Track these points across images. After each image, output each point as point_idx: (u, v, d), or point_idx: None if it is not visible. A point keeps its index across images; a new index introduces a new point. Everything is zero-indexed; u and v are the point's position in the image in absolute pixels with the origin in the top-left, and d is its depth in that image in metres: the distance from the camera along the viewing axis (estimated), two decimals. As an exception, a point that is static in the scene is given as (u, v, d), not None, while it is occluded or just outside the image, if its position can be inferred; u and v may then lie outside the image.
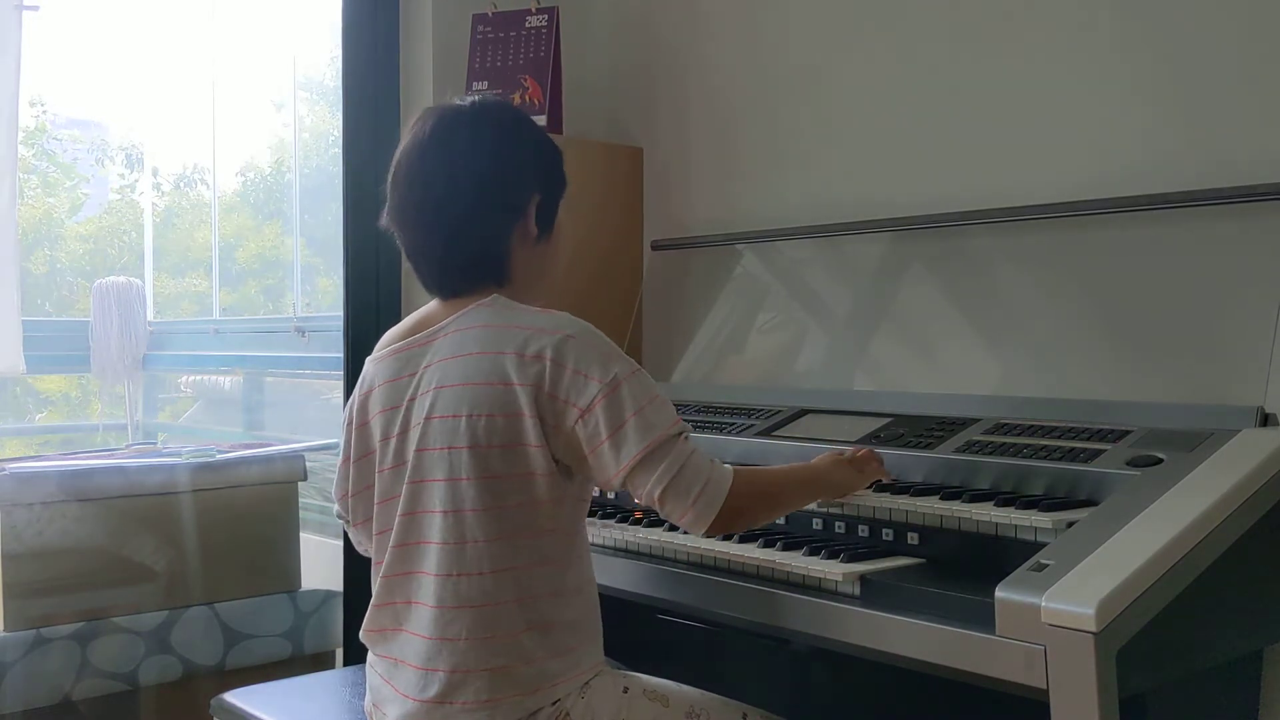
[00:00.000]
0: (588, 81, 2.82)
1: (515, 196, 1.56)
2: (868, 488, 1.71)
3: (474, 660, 1.44)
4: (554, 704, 1.46)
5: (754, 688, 1.79)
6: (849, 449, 1.76)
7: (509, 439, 1.44)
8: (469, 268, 1.56)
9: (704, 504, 1.45)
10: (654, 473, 1.44)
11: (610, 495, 1.99)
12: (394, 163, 1.58)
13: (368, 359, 1.62)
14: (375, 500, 1.56)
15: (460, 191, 1.54)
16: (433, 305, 1.59)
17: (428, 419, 1.48)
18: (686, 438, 1.47)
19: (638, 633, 1.93)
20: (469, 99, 1.62)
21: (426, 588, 1.47)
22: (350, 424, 1.60)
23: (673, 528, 1.80)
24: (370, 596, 1.56)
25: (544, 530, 1.46)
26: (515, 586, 1.45)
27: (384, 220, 1.59)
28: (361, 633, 1.57)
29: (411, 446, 1.49)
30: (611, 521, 1.87)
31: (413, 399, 1.51)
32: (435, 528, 1.47)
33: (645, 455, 1.43)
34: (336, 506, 1.68)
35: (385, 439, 1.54)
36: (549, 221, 1.61)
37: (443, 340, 1.51)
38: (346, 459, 1.61)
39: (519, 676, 1.45)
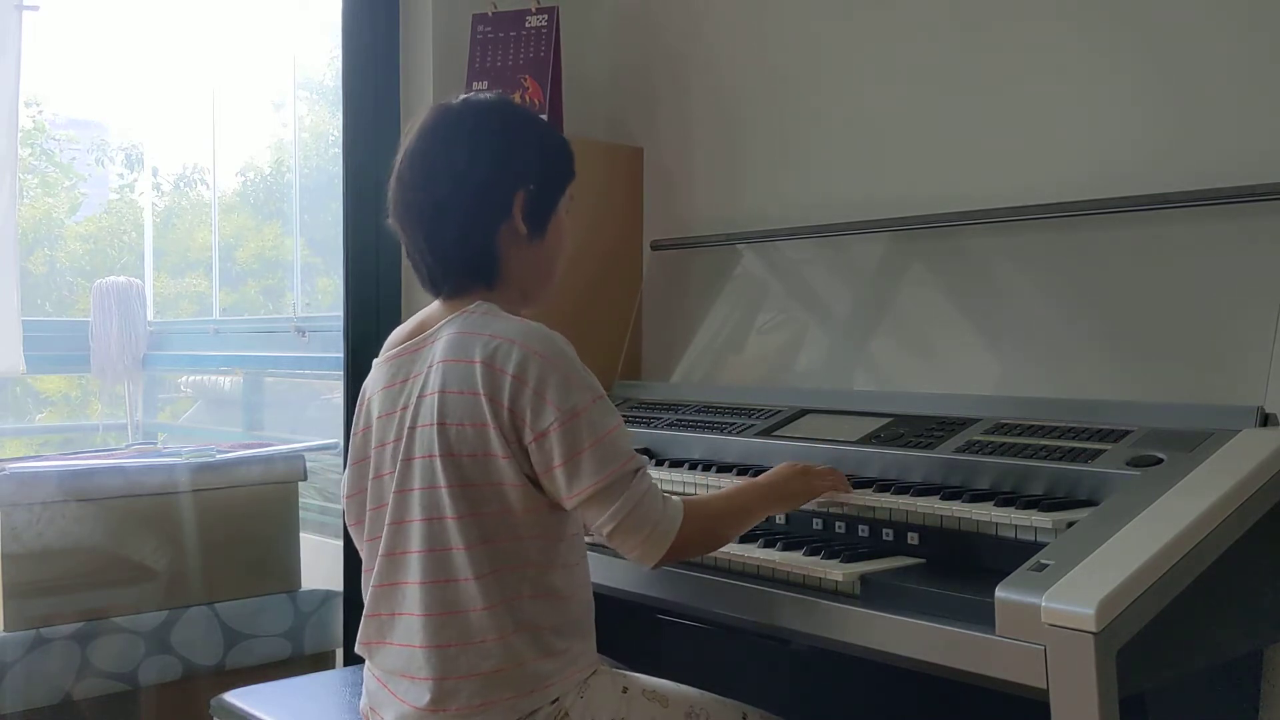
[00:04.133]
0: (588, 81, 2.82)
1: (496, 195, 1.54)
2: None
3: (465, 665, 1.44)
4: (553, 703, 1.47)
5: (754, 688, 1.79)
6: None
7: (478, 448, 1.44)
8: (457, 269, 1.55)
9: (651, 545, 1.47)
10: (605, 510, 1.44)
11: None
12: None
13: (375, 360, 1.62)
14: (368, 506, 1.57)
15: (439, 194, 1.53)
16: (433, 306, 1.59)
17: (412, 428, 1.48)
18: (642, 473, 1.47)
19: (638, 633, 1.93)
20: (461, 97, 1.61)
21: (412, 597, 1.47)
22: (354, 427, 1.61)
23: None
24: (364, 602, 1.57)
25: (524, 536, 1.46)
26: (500, 590, 1.45)
27: (390, 221, 1.59)
28: (356, 645, 1.58)
29: (400, 455, 1.50)
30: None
31: (405, 407, 1.51)
32: (418, 536, 1.47)
33: (598, 490, 1.43)
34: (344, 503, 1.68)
35: (381, 445, 1.55)
36: (542, 219, 1.58)
37: (430, 347, 1.52)
38: (350, 461, 1.63)
39: (511, 678, 1.45)
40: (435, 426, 1.45)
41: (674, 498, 1.52)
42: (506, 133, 1.58)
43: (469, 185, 1.53)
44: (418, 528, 1.47)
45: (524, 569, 1.46)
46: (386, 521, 1.51)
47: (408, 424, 1.49)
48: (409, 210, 1.55)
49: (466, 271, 1.55)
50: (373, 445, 1.56)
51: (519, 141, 1.58)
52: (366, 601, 1.55)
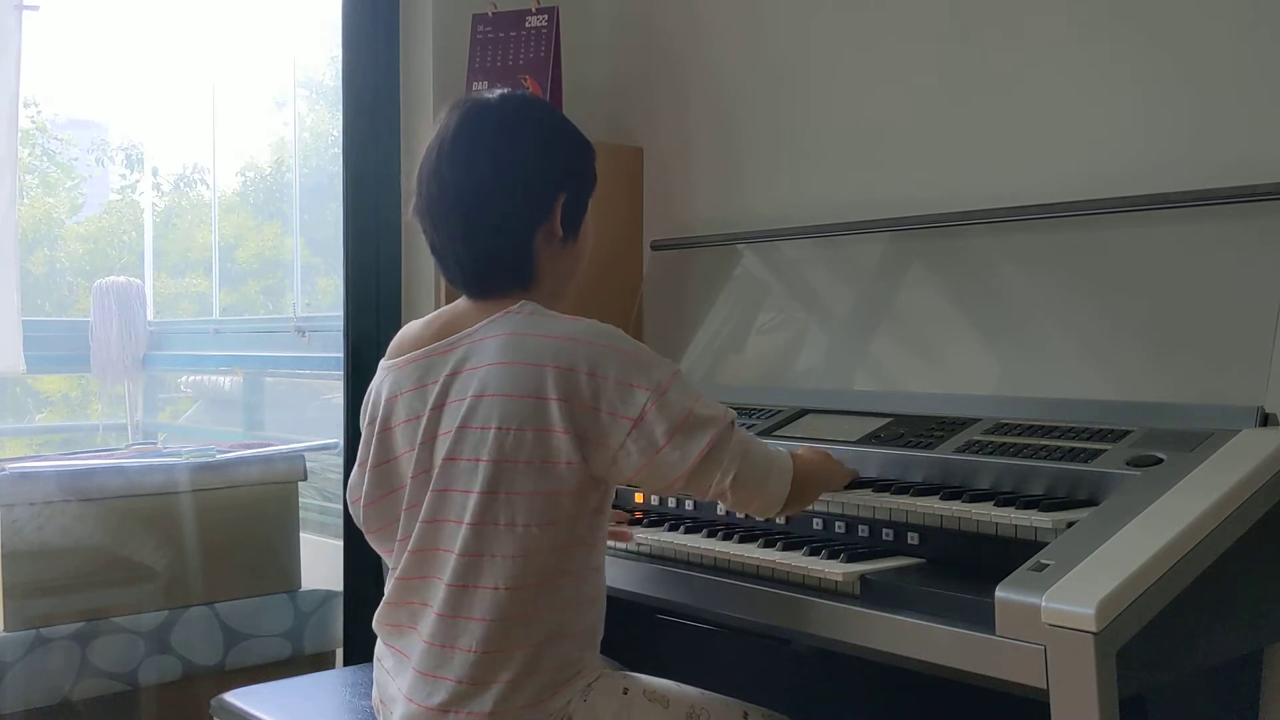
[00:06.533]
0: (588, 81, 2.82)
1: (541, 197, 1.52)
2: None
3: (483, 673, 1.42)
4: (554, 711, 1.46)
5: (754, 688, 1.79)
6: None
7: (536, 455, 1.41)
8: (494, 269, 1.52)
9: (775, 486, 1.50)
10: (719, 467, 1.45)
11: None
12: (421, 158, 1.54)
13: (383, 362, 1.58)
14: (403, 506, 1.52)
15: (484, 191, 1.50)
16: (460, 305, 1.55)
17: (461, 428, 1.44)
18: (737, 423, 1.49)
19: (638, 633, 1.93)
20: (497, 92, 1.58)
21: (440, 594, 1.45)
22: (371, 429, 1.56)
23: (673, 528, 1.80)
24: (375, 595, 1.55)
25: (563, 547, 1.45)
26: (532, 601, 1.43)
27: (410, 216, 1.56)
28: (375, 623, 1.55)
29: (439, 455, 1.46)
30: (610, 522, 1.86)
31: (440, 406, 1.47)
32: (456, 537, 1.44)
33: (709, 451, 1.44)
34: (353, 509, 1.63)
35: (410, 448, 1.50)
36: (576, 222, 1.57)
37: (474, 346, 1.47)
38: (364, 464, 1.58)
39: (525, 688, 1.44)
40: (492, 430, 1.41)
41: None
42: (550, 133, 1.57)
43: (516, 182, 1.50)
44: (458, 529, 1.44)
45: (557, 579, 1.45)
46: (419, 520, 1.47)
47: (450, 424, 1.45)
48: (444, 205, 1.51)
49: (505, 270, 1.52)
50: (400, 450, 1.52)
51: (561, 143, 1.57)
52: (389, 591, 1.52)
